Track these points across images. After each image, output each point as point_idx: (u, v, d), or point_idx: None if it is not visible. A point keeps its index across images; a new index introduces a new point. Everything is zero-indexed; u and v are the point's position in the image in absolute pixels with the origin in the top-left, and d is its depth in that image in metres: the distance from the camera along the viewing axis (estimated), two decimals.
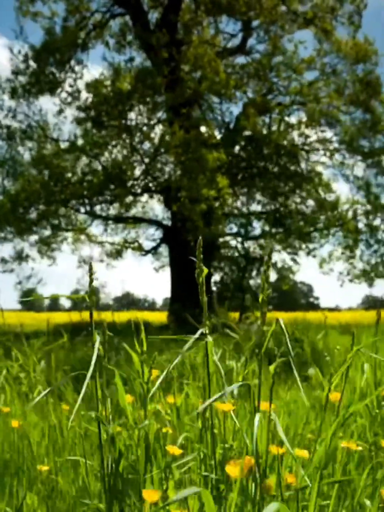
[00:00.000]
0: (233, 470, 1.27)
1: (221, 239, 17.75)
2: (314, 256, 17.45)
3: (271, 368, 1.33)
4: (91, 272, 1.42)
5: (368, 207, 16.91)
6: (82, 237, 17.63)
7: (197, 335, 1.38)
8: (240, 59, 17.23)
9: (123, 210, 16.97)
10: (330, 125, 17.02)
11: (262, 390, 1.32)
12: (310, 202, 17.36)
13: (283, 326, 1.30)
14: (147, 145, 16.19)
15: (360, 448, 1.65)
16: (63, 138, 16.30)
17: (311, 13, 15.75)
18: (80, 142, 15.95)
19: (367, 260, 16.97)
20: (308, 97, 16.35)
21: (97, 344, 1.42)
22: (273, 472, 1.47)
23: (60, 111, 16.18)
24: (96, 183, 15.23)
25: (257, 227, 18.21)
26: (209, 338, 1.42)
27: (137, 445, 1.60)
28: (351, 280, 16.91)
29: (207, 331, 1.42)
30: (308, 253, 17.42)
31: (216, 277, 19.39)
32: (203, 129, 15.83)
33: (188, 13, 16.03)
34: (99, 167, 15.80)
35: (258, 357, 1.34)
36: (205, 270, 1.41)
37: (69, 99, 15.98)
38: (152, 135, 16.01)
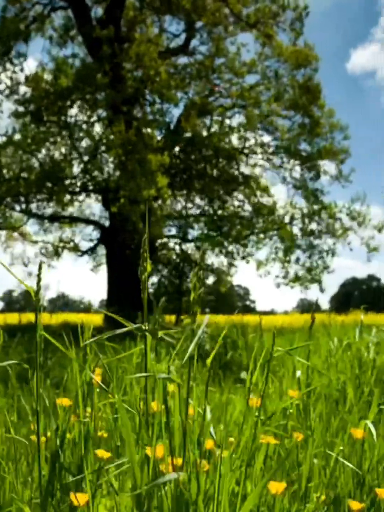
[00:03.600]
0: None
1: (159, 241, 17.72)
2: (247, 262, 17.72)
3: (208, 361, 1.33)
4: None
5: (305, 211, 17.34)
6: (15, 234, 17.14)
7: (126, 329, 1.36)
8: (183, 60, 17.29)
9: (60, 209, 16.60)
10: (268, 130, 17.34)
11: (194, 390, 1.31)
12: (248, 206, 17.63)
13: (205, 323, 1.29)
14: (86, 143, 15.94)
15: (278, 442, 1.68)
16: None
17: (254, 17, 15.98)
18: (17, 137, 15.48)
19: (302, 264, 17.37)
20: (249, 100, 16.58)
21: None
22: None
23: None
24: (33, 180, 14.80)
25: (196, 229, 18.34)
26: (147, 334, 1.40)
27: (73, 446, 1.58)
28: (286, 284, 17.27)
29: (146, 328, 1.41)
30: (244, 258, 17.65)
31: (153, 279, 19.33)
32: (144, 129, 15.73)
33: (132, 10, 15.92)
34: (36, 164, 15.39)
35: (189, 357, 1.32)
36: (149, 268, 1.38)
37: (7, 92, 15.48)
38: (92, 133, 15.78)
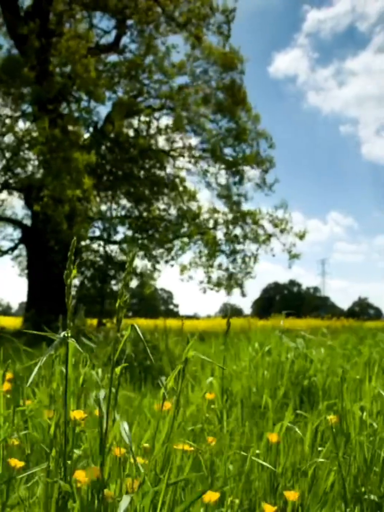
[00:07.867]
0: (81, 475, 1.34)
1: (82, 243, 17.36)
2: (172, 266, 17.75)
3: (117, 370, 1.32)
4: None
5: (229, 216, 17.57)
6: None
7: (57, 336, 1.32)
8: (113, 57, 17.00)
9: None
10: (195, 132, 17.47)
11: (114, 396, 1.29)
12: (173, 210, 17.67)
13: (139, 332, 1.28)
14: (9, 139, 15.33)
15: (192, 448, 1.68)
16: None
17: (184, 17, 16.04)
18: None
19: (225, 269, 17.59)
20: (177, 102, 16.61)
21: None
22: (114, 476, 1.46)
23: None
24: None
25: (120, 231, 18.15)
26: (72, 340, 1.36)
27: None
28: (211, 289, 17.41)
29: (69, 334, 1.37)
30: (167, 262, 17.66)
31: (75, 281, 18.89)
32: (70, 127, 15.36)
33: (62, 4, 15.51)
34: None
35: (111, 363, 1.31)
36: (74, 272, 1.35)
37: None
38: (16, 128, 15.21)
